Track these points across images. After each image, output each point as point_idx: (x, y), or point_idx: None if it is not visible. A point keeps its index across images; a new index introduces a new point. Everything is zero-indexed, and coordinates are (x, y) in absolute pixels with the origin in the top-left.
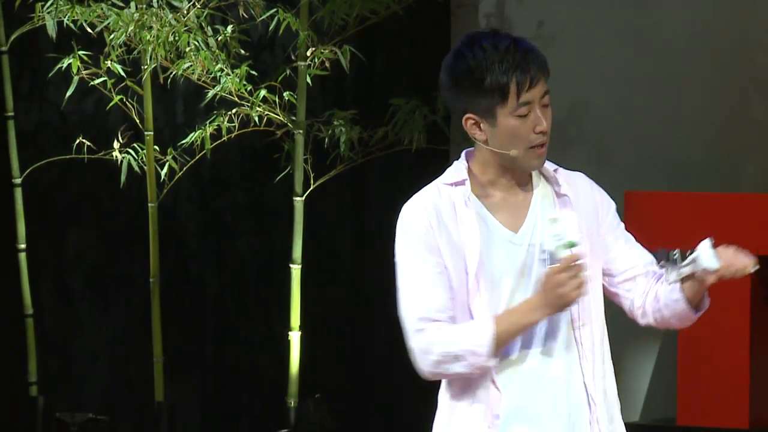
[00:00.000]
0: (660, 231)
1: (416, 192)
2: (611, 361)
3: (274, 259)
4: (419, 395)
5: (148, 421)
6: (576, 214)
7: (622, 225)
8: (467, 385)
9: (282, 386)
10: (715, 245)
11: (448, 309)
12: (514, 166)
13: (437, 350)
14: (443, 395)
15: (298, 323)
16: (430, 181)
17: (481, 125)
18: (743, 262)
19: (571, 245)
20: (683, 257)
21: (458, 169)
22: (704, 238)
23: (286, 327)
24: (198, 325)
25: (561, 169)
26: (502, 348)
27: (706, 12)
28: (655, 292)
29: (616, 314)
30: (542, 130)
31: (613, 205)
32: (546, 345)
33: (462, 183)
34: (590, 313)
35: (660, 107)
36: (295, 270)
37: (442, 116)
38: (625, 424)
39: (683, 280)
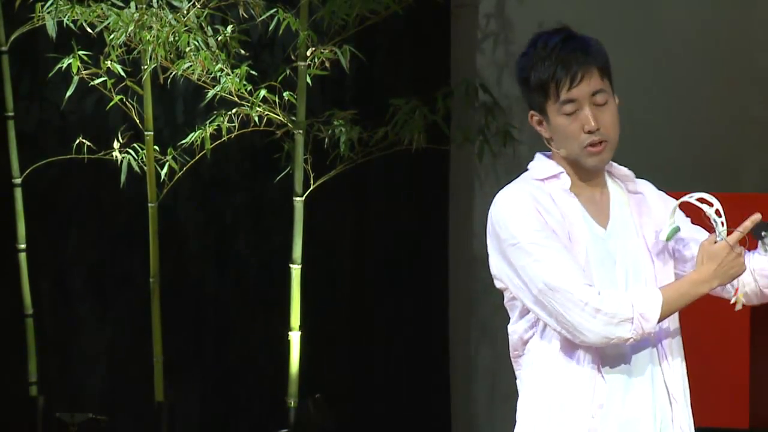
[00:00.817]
0: None
1: (417, 193)
2: (685, 364)
3: (274, 258)
4: (419, 394)
5: (147, 421)
6: (643, 214)
7: (689, 220)
8: (570, 374)
9: (282, 386)
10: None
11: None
12: (581, 164)
13: (609, 310)
14: (541, 384)
15: (298, 323)
16: (430, 180)
17: (543, 123)
18: None
19: (677, 230)
20: None
21: (547, 164)
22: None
23: (286, 327)
24: (198, 325)
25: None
26: (666, 317)
27: (707, 12)
28: (752, 267)
29: None
30: (590, 130)
31: (672, 202)
32: (638, 342)
33: (557, 176)
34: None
35: (660, 107)
36: (295, 270)
37: (442, 116)
38: None
39: None
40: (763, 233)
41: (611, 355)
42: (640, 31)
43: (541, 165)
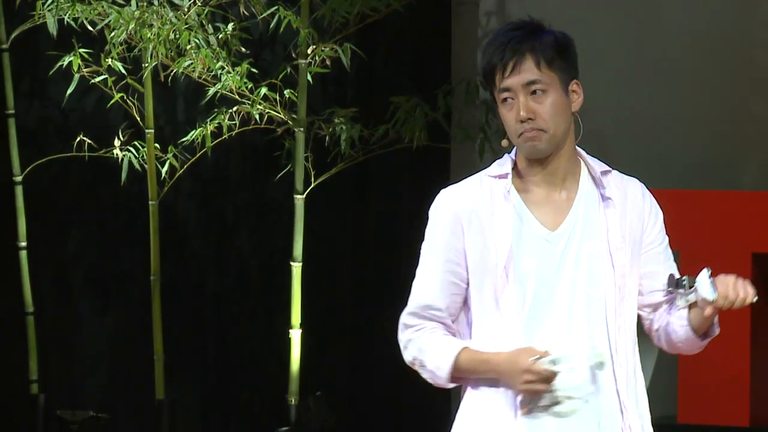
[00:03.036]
0: None
1: (418, 191)
2: (642, 372)
3: (275, 256)
4: (420, 393)
5: (148, 419)
6: (619, 219)
7: (667, 242)
8: (489, 382)
9: (283, 384)
10: (713, 275)
11: (444, 311)
12: (523, 156)
13: (411, 351)
14: (467, 394)
15: (299, 321)
16: (431, 178)
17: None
18: (741, 293)
19: (555, 362)
20: (691, 283)
21: (503, 162)
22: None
23: (287, 325)
24: (199, 323)
25: (615, 172)
26: (462, 378)
27: (707, 11)
28: (669, 317)
29: None
30: (521, 119)
31: (661, 217)
32: (579, 345)
33: (504, 176)
34: (625, 318)
35: (660, 105)
36: (296, 268)
37: (442, 114)
38: None
39: (690, 306)
40: (669, 288)
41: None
42: (640, 29)
43: (501, 161)
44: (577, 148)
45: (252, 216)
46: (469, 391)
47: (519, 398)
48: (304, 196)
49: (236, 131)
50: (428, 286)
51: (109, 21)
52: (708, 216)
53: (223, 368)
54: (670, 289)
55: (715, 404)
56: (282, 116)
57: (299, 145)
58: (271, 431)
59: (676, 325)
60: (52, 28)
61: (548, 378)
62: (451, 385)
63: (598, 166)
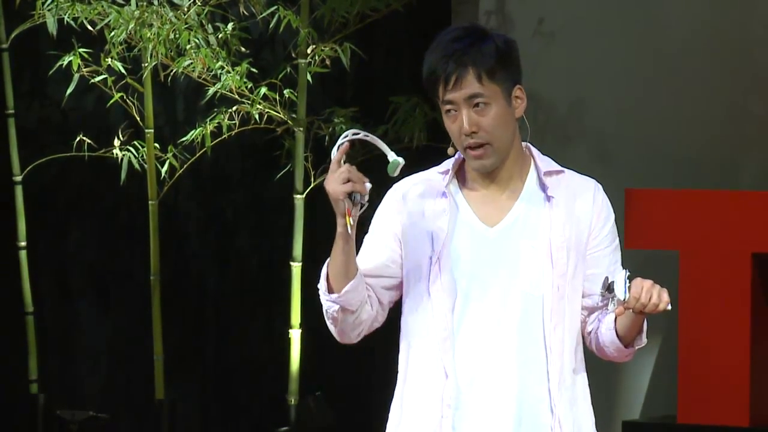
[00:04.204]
0: (660, 228)
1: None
2: (586, 376)
3: (275, 256)
4: None
5: (148, 419)
6: (563, 219)
7: (615, 246)
8: (420, 373)
9: (282, 384)
10: (631, 278)
11: (364, 272)
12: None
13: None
14: (398, 385)
15: (299, 321)
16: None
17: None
18: (654, 299)
19: (396, 164)
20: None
21: (453, 159)
22: (703, 236)
23: (287, 325)
24: (198, 323)
25: (569, 172)
26: (340, 283)
27: (706, 9)
28: (599, 321)
29: None
30: (464, 133)
31: (611, 220)
32: (509, 341)
33: (446, 173)
34: (563, 317)
35: (660, 104)
36: (296, 267)
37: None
38: (625, 421)
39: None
40: (601, 291)
41: (462, 356)
42: (640, 28)
43: (451, 159)
44: (530, 147)
45: (252, 216)
46: (397, 386)
47: (445, 391)
48: (304, 195)
49: (236, 131)
50: (361, 255)
51: (109, 21)
52: (707, 216)
53: (222, 368)
54: (602, 291)
55: (715, 404)
56: (282, 116)
57: (299, 144)
58: (270, 431)
59: (603, 328)
60: (52, 27)
61: (340, 168)
62: (337, 305)
63: (547, 165)
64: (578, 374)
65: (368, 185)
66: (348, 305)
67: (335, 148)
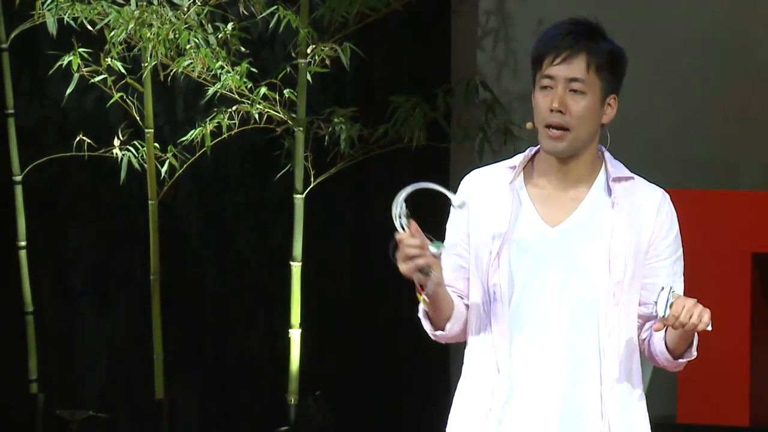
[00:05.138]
0: None
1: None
2: (642, 384)
3: (275, 256)
4: (419, 392)
5: (148, 419)
6: (626, 226)
7: (677, 257)
8: (476, 367)
9: (282, 383)
10: (674, 295)
11: (452, 286)
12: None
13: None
14: (460, 379)
15: (299, 321)
16: (431, 179)
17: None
18: (694, 319)
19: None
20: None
21: (522, 154)
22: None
23: (287, 324)
24: (198, 323)
25: (638, 179)
26: (441, 323)
27: (707, 9)
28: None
29: None
30: (552, 108)
31: (675, 232)
32: (560, 341)
33: (513, 168)
34: (619, 324)
35: (660, 104)
36: (296, 267)
37: (442, 113)
38: None
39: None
40: (654, 300)
41: (518, 353)
42: (640, 28)
43: (522, 154)
44: (605, 152)
45: (251, 215)
46: (460, 381)
47: (496, 385)
48: (304, 195)
49: (236, 131)
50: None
51: (109, 20)
52: (707, 216)
53: (222, 368)
54: (654, 302)
55: (715, 404)
56: (281, 116)
57: (299, 144)
58: (270, 431)
59: (655, 338)
60: (52, 27)
61: (406, 247)
62: (438, 333)
63: (617, 171)
64: (634, 381)
65: (433, 250)
66: (454, 333)
67: (397, 220)
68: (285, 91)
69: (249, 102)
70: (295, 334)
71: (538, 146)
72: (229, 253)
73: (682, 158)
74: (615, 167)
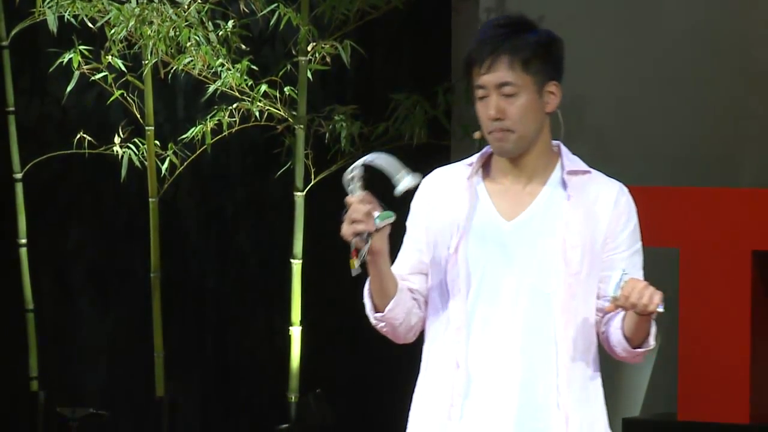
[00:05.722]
0: (660, 226)
1: (418, 188)
2: (600, 378)
3: (275, 254)
4: None
5: (148, 416)
6: (582, 219)
7: (636, 250)
8: (436, 363)
9: (283, 381)
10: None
11: (409, 281)
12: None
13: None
14: (419, 376)
15: (299, 318)
16: None
17: None
18: (645, 299)
19: (387, 216)
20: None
21: (482, 151)
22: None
23: (287, 322)
24: (199, 320)
25: (595, 173)
26: (382, 302)
27: (706, 7)
28: (611, 321)
29: None
30: (490, 117)
31: (633, 224)
32: (517, 334)
33: (471, 165)
34: (575, 317)
35: (660, 102)
36: (296, 265)
37: (442, 111)
38: (626, 419)
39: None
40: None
41: (476, 349)
42: (640, 26)
43: (480, 152)
44: (560, 145)
45: (252, 213)
46: (419, 377)
47: (456, 380)
48: (304, 193)
49: (236, 128)
50: (399, 257)
51: (109, 18)
52: (707, 213)
53: (223, 365)
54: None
55: (715, 402)
56: (282, 113)
57: (299, 142)
58: (271, 428)
59: (612, 328)
60: (52, 25)
61: (350, 210)
62: (377, 316)
63: (572, 165)
64: (591, 373)
65: (377, 222)
66: (394, 320)
67: (349, 185)
68: (285, 89)
69: (249, 100)
70: (295, 332)
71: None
72: (230, 250)
73: (682, 156)
74: (571, 161)
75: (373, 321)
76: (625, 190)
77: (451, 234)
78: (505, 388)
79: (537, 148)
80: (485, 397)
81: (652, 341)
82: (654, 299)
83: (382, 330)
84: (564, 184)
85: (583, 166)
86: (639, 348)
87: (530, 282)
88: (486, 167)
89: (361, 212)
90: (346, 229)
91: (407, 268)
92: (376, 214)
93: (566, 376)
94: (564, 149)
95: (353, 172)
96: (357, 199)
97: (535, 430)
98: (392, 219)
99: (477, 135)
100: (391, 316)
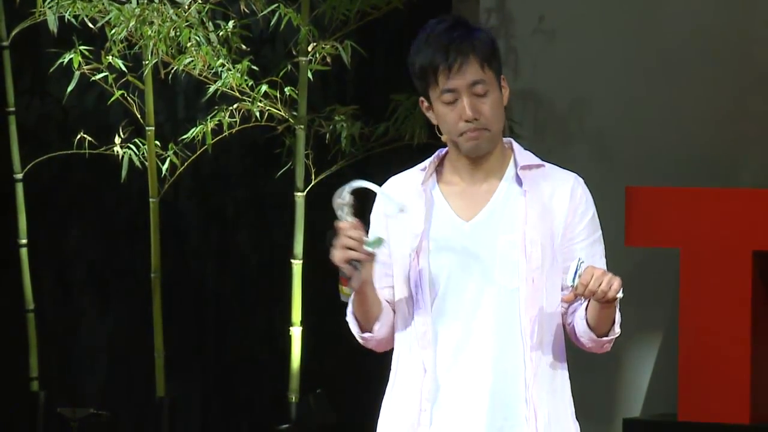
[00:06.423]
0: (661, 226)
1: None
2: (566, 369)
3: (275, 254)
4: None
5: (149, 417)
6: (539, 213)
7: (595, 239)
8: (404, 368)
9: (283, 381)
10: (583, 266)
11: (378, 289)
12: (461, 151)
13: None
14: (389, 382)
15: (299, 318)
16: None
17: (430, 109)
18: (604, 286)
19: (377, 242)
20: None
21: (434, 155)
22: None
23: (287, 322)
24: (199, 321)
25: (549, 166)
26: (369, 324)
27: (707, 8)
28: (576, 312)
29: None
30: (467, 119)
31: (590, 214)
32: (485, 334)
33: (424, 170)
34: (541, 310)
35: (661, 103)
36: (296, 265)
37: None
38: (626, 419)
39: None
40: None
41: (443, 351)
42: (641, 26)
43: (433, 156)
44: (511, 142)
45: (252, 213)
46: (388, 384)
47: (424, 385)
48: (305, 193)
49: (237, 128)
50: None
51: (110, 18)
52: (708, 214)
53: (223, 365)
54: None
55: (716, 402)
56: (282, 114)
57: (300, 142)
58: (271, 429)
59: (578, 318)
60: (53, 25)
61: (343, 236)
62: (366, 334)
63: (525, 160)
64: (558, 367)
65: (368, 248)
66: (381, 337)
67: (339, 210)
68: (286, 89)
69: (250, 100)
70: (296, 332)
71: (447, 147)
72: (230, 250)
73: (683, 157)
74: (523, 156)
75: (360, 339)
76: (581, 180)
77: (410, 241)
78: (474, 392)
79: (498, 145)
80: (454, 402)
81: (617, 329)
82: (613, 285)
83: (368, 345)
84: (519, 180)
85: (536, 161)
86: (605, 336)
87: (494, 280)
88: (439, 170)
89: (354, 240)
90: (340, 256)
91: (376, 281)
92: (365, 239)
93: (534, 370)
94: (516, 145)
95: (343, 198)
96: (349, 225)
97: (505, 428)
98: (380, 246)
99: (445, 138)
100: (379, 334)
